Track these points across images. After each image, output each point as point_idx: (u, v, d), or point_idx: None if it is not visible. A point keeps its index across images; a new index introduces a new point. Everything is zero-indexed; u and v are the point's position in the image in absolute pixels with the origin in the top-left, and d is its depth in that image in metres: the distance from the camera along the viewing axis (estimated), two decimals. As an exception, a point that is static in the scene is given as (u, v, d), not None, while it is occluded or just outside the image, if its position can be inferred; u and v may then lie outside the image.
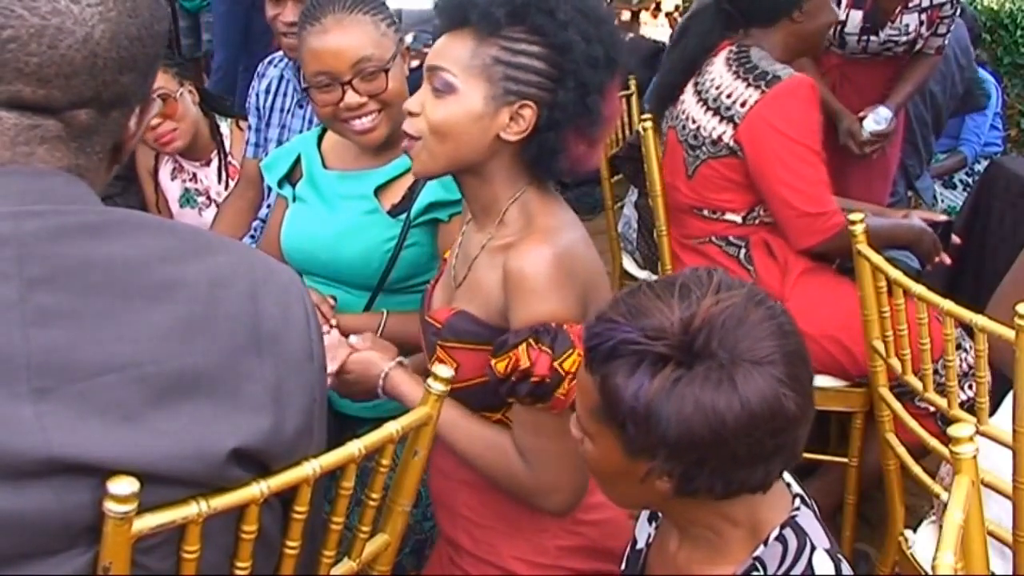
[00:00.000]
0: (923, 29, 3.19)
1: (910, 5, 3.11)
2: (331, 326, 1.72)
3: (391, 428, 1.24)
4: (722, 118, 2.42)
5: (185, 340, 0.98)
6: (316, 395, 1.09)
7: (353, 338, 1.63)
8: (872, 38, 3.17)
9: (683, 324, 1.05)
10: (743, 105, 2.38)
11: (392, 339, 1.69)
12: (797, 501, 1.19)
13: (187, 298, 0.99)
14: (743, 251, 2.48)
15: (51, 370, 0.92)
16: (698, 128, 2.48)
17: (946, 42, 3.32)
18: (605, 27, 1.46)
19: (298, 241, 1.91)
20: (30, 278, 0.93)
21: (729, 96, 2.42)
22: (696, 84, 2.55)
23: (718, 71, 2.48)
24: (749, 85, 2.39)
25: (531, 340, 1.37)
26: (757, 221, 2.48)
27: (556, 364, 1.37)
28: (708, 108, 2.46)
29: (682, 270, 1.16)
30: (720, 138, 2.43)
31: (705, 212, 2.54)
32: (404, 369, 1.59)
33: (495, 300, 1.45)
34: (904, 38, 3.18)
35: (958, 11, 3.25)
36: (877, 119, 3.20)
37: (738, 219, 2.50)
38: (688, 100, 2.56)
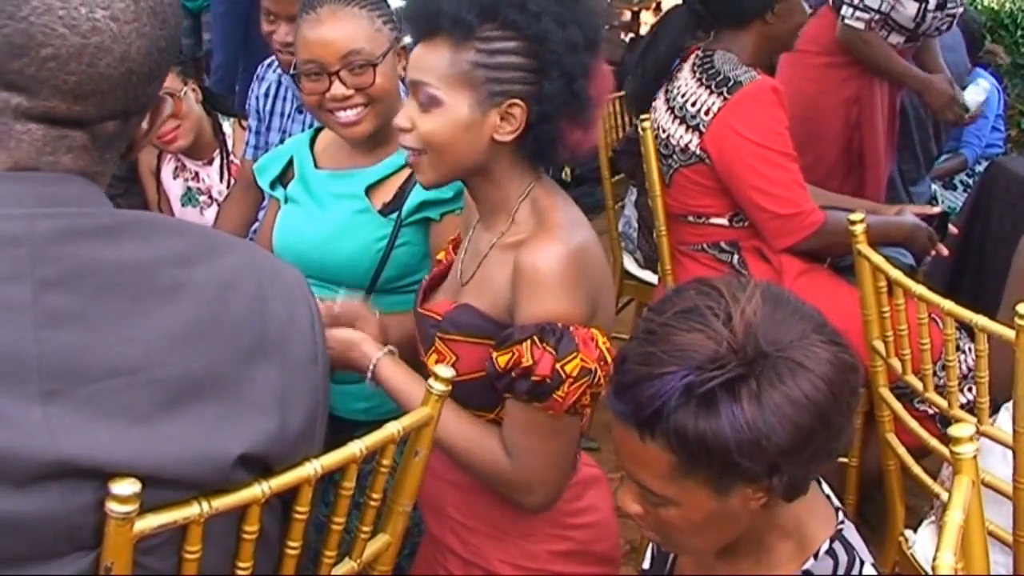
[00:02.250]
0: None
1: None
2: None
3: (392, 428, 1.24)
4: (688, 127, 2.43)
5: (193, 343, 0.98)
6: (320, 397, 1.10)
7: (337, 306, 1.60)
8: (938, 14, 3.20)
9: (730, 342, 1.04)
10: (707, 113, 2.40)
11: (385, 340, 1.69)
12: (840, 514, 1.18)
13: (195, 300, 0.99)
14: (735, 257, 2.49)
15: (61, 372, 0.92)
16: (668, 137, 2.50)
17: None
18: (579, 7, 1.43)
19: (289, 242, 1.90)
20: (43, 279, 0.93)
21: (694, 104, 2.43)
22: (666, 92, 2.56)
23: (684, 78, 2.49)
24: (712, 92, 2.40)
25: (536, 338, 1.37)
26: (745, 224, 2.48)
27: (558, 365, 1.36)
28: (675, 117, 2.47)
29: (680, 291, 1.14)
30: (688, 147, 2.44)
31: (690, 218, 2.55)
32: (394, 358, 1.56)
33: (502, 296, 1.45)
34: (959, 9, 3.23)
35: None
36: (979, 90, 3.27)
37: (724, 221, 2.50)
38: (659, 108, 2.57)
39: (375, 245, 1.81)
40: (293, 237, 1.90)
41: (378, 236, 1.82)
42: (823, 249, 2.44)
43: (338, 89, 1.78)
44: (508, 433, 1.47)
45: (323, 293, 1.83)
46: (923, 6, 3.16)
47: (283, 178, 1.98)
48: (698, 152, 2.42)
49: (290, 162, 1.97)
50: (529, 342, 1.37)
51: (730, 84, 2.38)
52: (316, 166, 1.94)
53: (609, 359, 1.40)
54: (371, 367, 1.54)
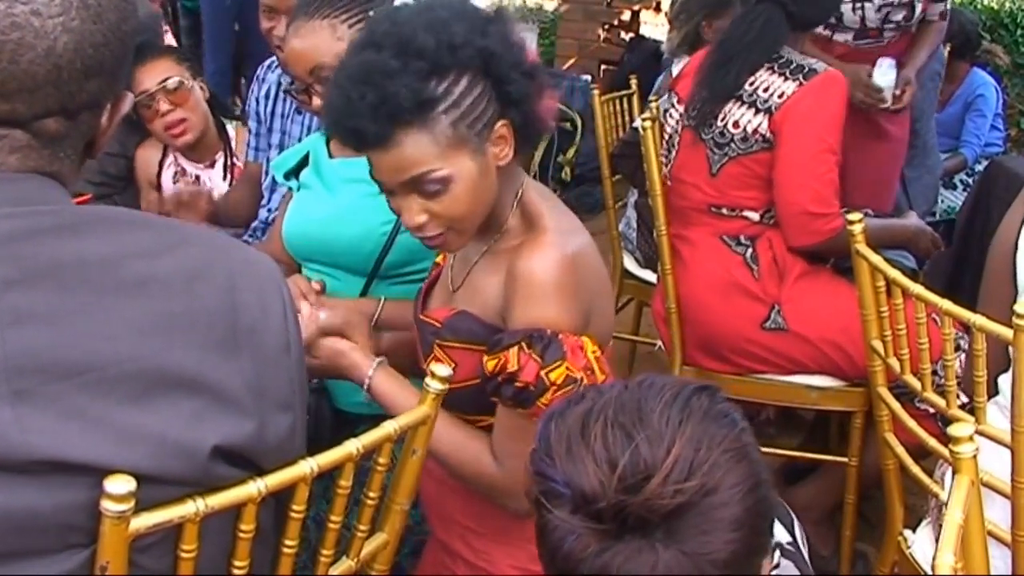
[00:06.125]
0: None
1: None
2: (308, 302, 1.65)
3: (389, 427, 1.24)
4: (758, 110, 2.43)
5: (163, 336, 0.97)
6: (296, 386, 1.09)
7: (323, 315, 1.59)
8: (867, 4, 3.03)
9: (618, 504, 0.92)
10: (780, 96, 2.41)
11: (389, 327, 1.69)
12: (777, 554, 1.14)
13: (164, 293, 0.99)
14: (750, 251, 2.48)
15: (29, 371, 0.92)
16: (726, 125, 2.48)
17: (947, 7, 3.17)
18: (471, 15, 1.42)
19: (296, 224, 1.92)
20: (3, 279, 0.92)
21: (767, 90, 2.43)
22: None
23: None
24: (787, 79, 2.42)
25: (524, 343, 1.37)
26: (773, 221, 2.48)
27: (543, 373, 1.36)
28: (743, 103, 2.45)
29: (659, 394, 0.98)
30: (755, 131, 2.43)
31: (724, 210, 2.52)
32: (388, 369, 1.56)
33: (493, 303, 1.45)
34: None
35: None
36: (882, 71, 2.99)
37: (756, 216, 2.49)
38: None
39: (380, 228, 1.81)
40: (300, 219, 1.91)
41: (384, 220, 1.81)
42: (831, 251, 2.44)
43: (315, 101, 1.82)
44: (497, 438, 1.47)
45: (326, 278, 1.84)
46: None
47: (298, 171, 2.01)
48: (765, 134, 2.42)
49: (306, 157, 1.99)
50: (516, 347, 1.37)
51: (805, 71, 2.40)
52: (330, 156, 1.96)
53: (596, 369, 1.40)
54: (367, 381, 1.54)
